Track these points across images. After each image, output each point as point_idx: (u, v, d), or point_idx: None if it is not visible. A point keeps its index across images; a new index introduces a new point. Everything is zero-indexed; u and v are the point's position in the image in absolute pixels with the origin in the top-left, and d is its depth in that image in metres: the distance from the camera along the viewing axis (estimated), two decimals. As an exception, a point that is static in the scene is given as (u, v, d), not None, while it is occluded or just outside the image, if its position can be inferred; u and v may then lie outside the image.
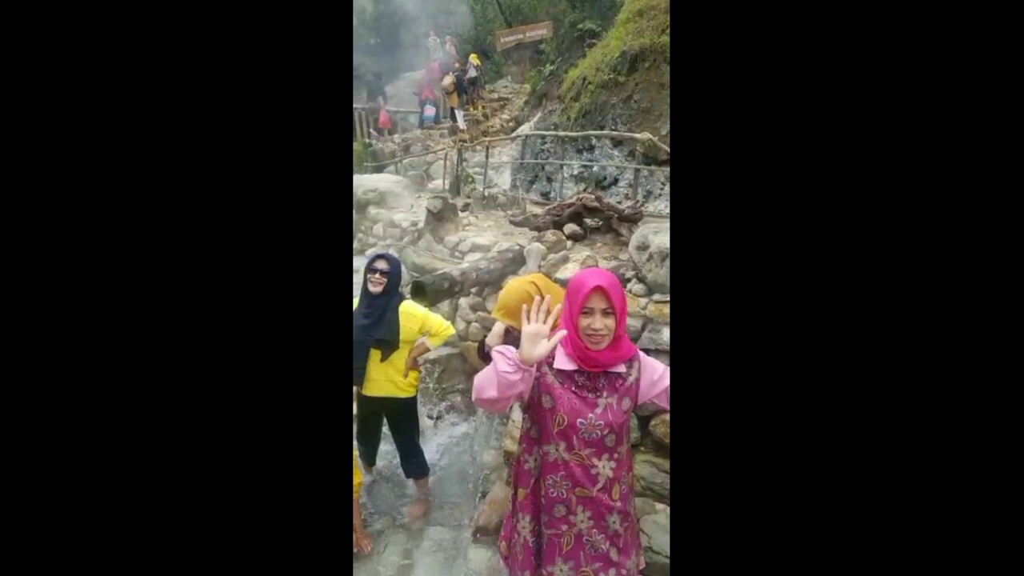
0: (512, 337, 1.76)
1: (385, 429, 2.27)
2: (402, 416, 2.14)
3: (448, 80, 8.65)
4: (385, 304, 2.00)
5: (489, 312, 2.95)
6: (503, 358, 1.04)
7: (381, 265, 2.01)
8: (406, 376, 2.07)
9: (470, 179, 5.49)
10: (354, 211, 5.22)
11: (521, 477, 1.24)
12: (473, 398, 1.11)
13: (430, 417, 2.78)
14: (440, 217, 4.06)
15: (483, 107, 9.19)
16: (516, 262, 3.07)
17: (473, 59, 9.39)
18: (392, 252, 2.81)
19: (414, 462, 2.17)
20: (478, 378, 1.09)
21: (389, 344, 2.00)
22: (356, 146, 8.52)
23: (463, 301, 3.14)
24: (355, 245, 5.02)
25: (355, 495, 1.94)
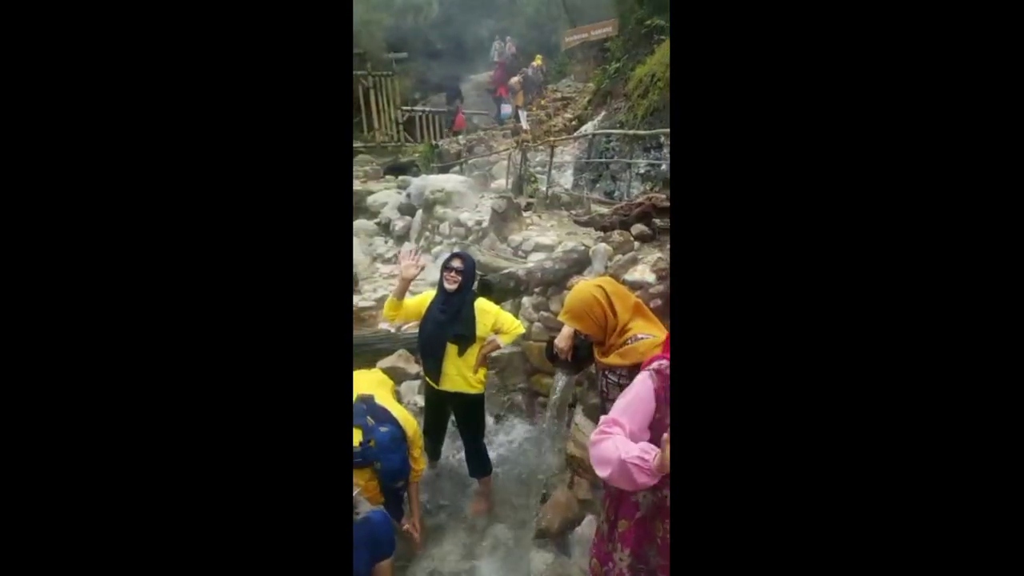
0: (579, 340, 1.73)
1: (451, 426, 2.32)
2: (470, 412, 2.18)
3: (515, 79, 8.87)
4: (461, 301, 2.06)
5: (552, 313, 2.92)
6: (640, 466, 0.98)
7: (456, 264, 2.07)
8: (476, 372, 2.11)
9: (533, 178, 5.49)
10: (422, 210, 5.40)
11: (625, 507, 1.20)
12: (592, 461, 1.07)
13: (491, 415, 2.81)
14: (504, 216, 4.10)
15: (542, 106, 9.18)
16: (581, 263, 3.02)
17: (537, 60, 9.42)
18: (465, 251, 2.87)
19: (478, 460, 2.21)
20: (599, 451, 1.04)
21: (467, 339, 2.06)
22: (423, 147, 8.81)
23: (526, 300, 3.14)
24: (422, 243, 5.19)
25: (415, 479, 1.99)
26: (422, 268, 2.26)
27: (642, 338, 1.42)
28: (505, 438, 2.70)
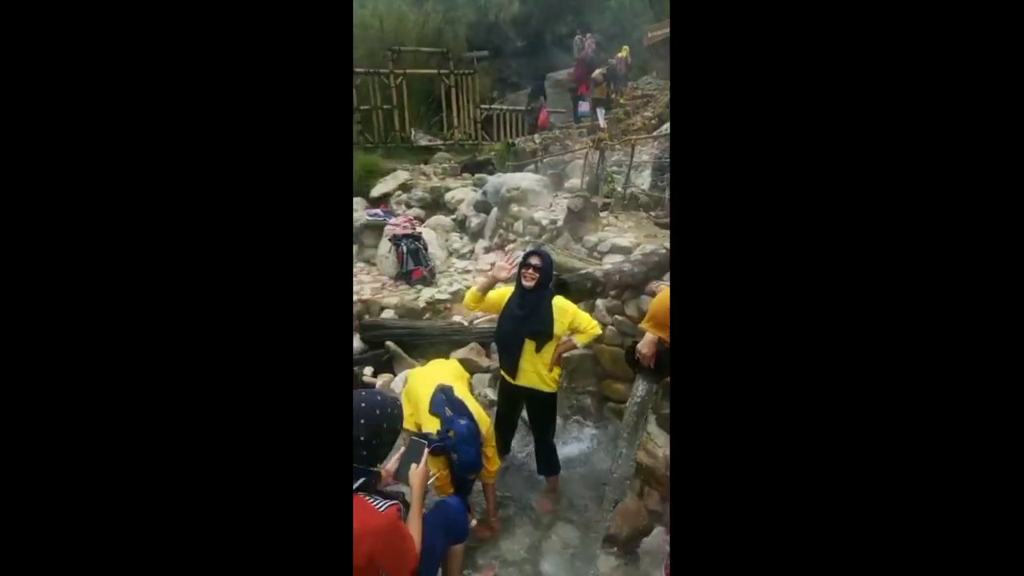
0: (663, 348, 1.69)
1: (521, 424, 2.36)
2: (543, 409, 2.21)
3: (598, 72, 8.81)
4: (539, 298, 2.08)
5: (627, 317, 2.87)
6: None
7: (534, 261, 2.09)
8: (551, 370, 2.13)
9: (610, 178, 5.39)
10: (497, 208, 5.50)
11: None
12: None
13: (560, 416, 2.81)
14: (580, 216, 4.07)
15: (620, 104, 8.97)
16: (661, 267, 2.93)
17: (623, 52, 9.26)
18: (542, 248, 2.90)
19: (548, 459, 2.23)
20: None
21: (544, 335, 2.08)
22: (499, 146, 8.96)
23: (600, 303, 3.10)
24: (495, 241, 5.29)
25: (491, 480, 2.06)
26: (513, 274, 2.30)
27: None
28: (573, 439, 2.70)
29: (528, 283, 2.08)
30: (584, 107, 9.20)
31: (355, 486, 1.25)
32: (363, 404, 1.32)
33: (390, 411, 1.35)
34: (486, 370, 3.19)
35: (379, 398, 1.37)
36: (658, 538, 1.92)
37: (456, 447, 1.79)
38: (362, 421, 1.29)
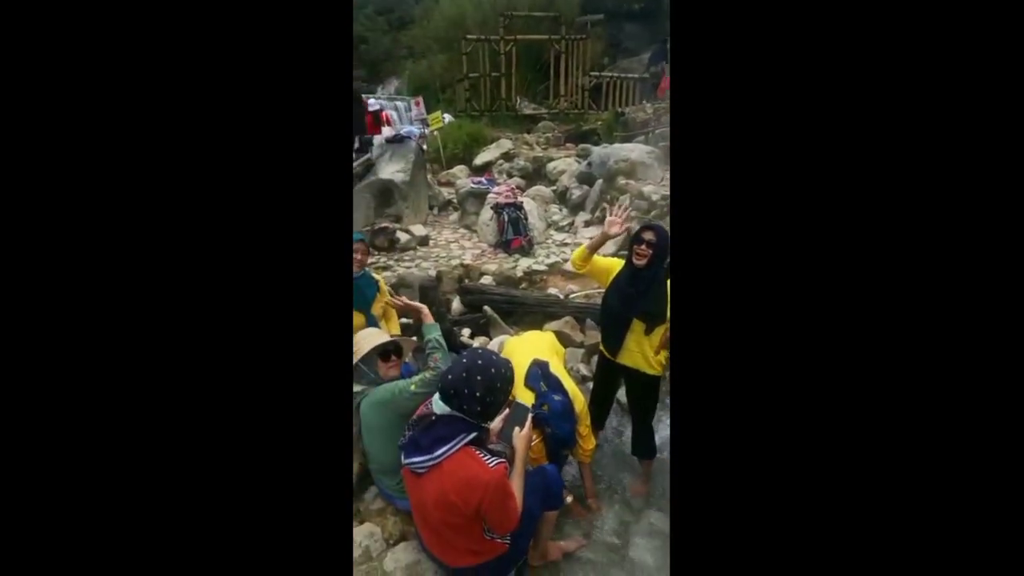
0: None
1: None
2: (645, 391, 2.12)
3: None
4: (652, 277, 1.94)
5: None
6: None
7: (648, 236, 1.92)
8: (657, 353, 2.02)
9: (731, 154, 4.92)
10: (602, 180, 5.32)
11: None
12: None
13: (662, 402, 2.71)
14: (695, 194, 3.78)
15: None
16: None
17: None
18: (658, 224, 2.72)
19: (644, 440, 2.16)
20: None
21: (656, 317, 1.95)
22: (607, 115, 8.58)
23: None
24: (597, 215, 5.14)
25: (587, 459, 2.04)
26: (627, 231, 2.17)
27: None
28: (668, 427, 2.59)
29: (639, 261, 1.93)
30: None
31: (467, 439, 1.30)
32: (480, 362, 1.35)
33: (504, 371, 1.37)
34: (580, 345, 3.15)
35: (494, 358, 1.40)
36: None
37: (550, 421, 1.79)
38: (478, 378, 1.32)
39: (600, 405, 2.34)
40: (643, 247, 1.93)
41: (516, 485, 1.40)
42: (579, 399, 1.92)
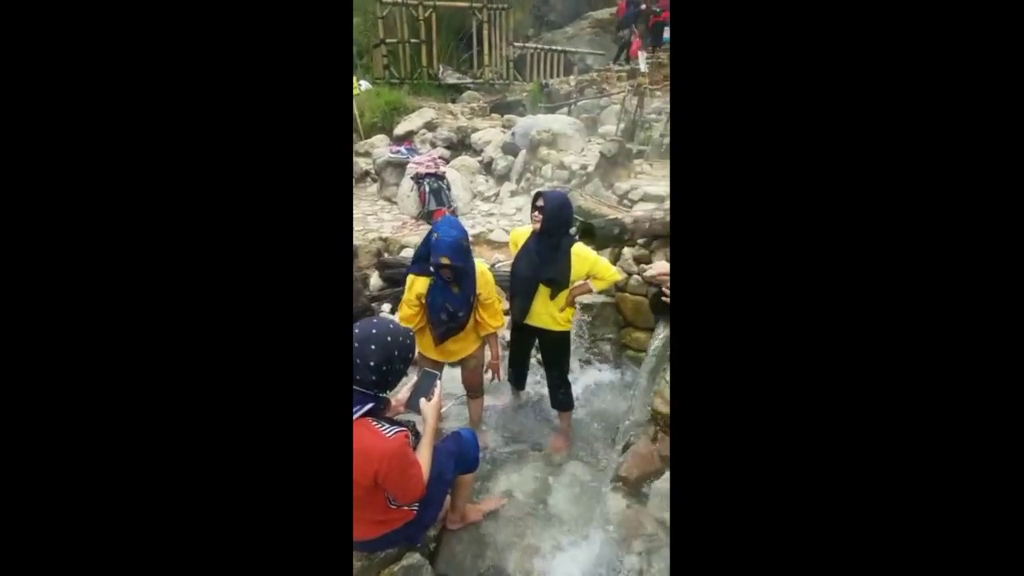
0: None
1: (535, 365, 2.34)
2: (555, 347, 2.19)
3: None
4: (555, 244, 1.99)
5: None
6: None
7: (539, 202, 1.99)
8: (563, 311, 2.08)
9: (647, 125, 5.09)
10: (525, 150, 5.30)
11: None
12: None
13: (577, 359, 2.79)
14: (613, 162, 3.88)
15: (665, 49, 8.36)
16: (695, 216, 2.79)
17: None
18: (562, 191, 2.76)
19: (562, 394, 2.23)
20: None
21: (559, 284, 2.01)
22: (531, 87, 8.54)
23: (627, 251, 2.99)
24: (523, 185, 5.13)
25: (491, 330, 2.08)
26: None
27: None
28: (589, 381, 2.68)
29: (535, 225, 1.99)
30: (667, 33, 8.65)
31: (363, 411, 1.24)
32: (374, 331, 1.29)
33: (402, 340, 1.32)
34: (506, 313, 3.16)
35: (392, 326, 1.34)
36: (668, 482, 1.92)
37: (438, 229, 1.82)
38: (372, 347, 1.26)
39: (517, 367, 2.38)
40: (535, 213, 1.99)
41: (423, 454, 1.37)
42: (488, 283, 1.97)
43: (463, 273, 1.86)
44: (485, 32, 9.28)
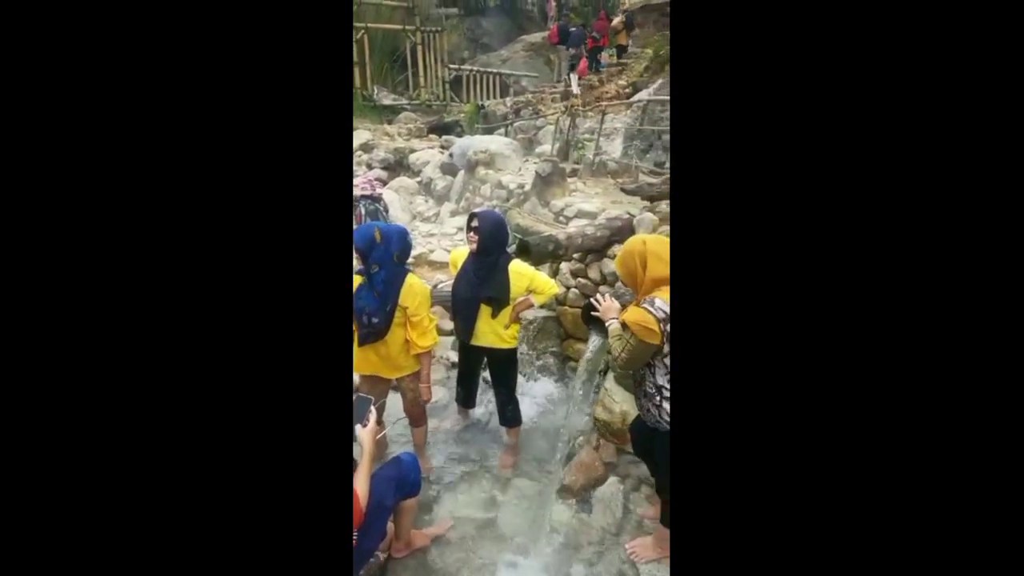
0: (624, 302, 1.69)
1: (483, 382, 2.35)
2: (503, 365, 2.21)
3: (618, 20, 9.25)
4: (493, 263, 2.03)
5: (590, 280, 2.88)
6: None
7: (473, 223, 2.05)
8: (507, 328, 2.11)
9: (580, 145, 5.33)
10: (464, 171, 5.36)
11: None
12: None
13: (522, 375, 2.83)
14: (548, 181, 4.01)
15: (597, 71, 8.84)
16: (624, 231, 2.93)
17: (626, 4, 9.33)
18: (497, 210, 2.82)
19: (510, 410, 2.24)
20: None
21: (500, 302, 2.05)
22: (468, 107, 8.68)
23: (564, 266, 3.09)
24: (463, 204, 5.18)
25: (422, 351, 2.00)
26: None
27: (654, 304, 1.41)
28: (534, 396, 2.72)
29: (471, 246, 2.04)
30: (604, 58, 9.39)
31: None
32: None
33: None
34: (449, 333, 3.15)
35: None
36: (612, 487, 1.98)
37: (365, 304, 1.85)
38: None
39: (466, 386, 2.38)
40: (471, 233, 2.05)
41: (360, 482, 1.35)
42: (413, 297, 1.91)
43: (380, 271, 1.85)
44: (419, 54, 9.37)
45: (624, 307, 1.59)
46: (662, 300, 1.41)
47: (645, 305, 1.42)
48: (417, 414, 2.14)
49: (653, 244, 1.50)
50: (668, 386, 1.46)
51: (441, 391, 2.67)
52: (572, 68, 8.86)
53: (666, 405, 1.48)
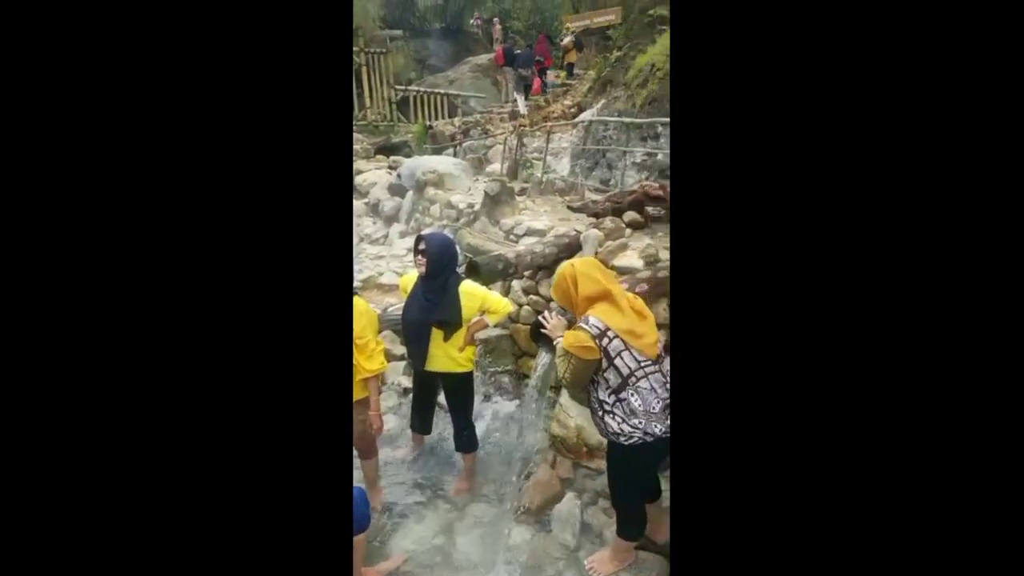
0: (568, 318, 1.72)
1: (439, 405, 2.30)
2: (459, 390, 2.16)
3: (567, 39, 9.44)
4: (442, 285, 2.00)
5: (541, 296, 2.91)
6: None
7: (420, 246, 2.02)
8: (462, 351, 2.08)
9: (528, 164, 5.44)
10: (412, 191, 5.32)
11: None
12: None
13: (478, 395, 2.79)
14: (497, 200, 4.05)
15: (544, 92, 9.10)
16: (572, 248, 3.00)
17: (569, 26, 9.73)
18: (446, 232, 2.81)
19: (465, 436, 2.19)
20: None
21: (452, 325, 2.01)
22: (416, 128, 8.67)
23: (516, 284, 3.12)
24: (412, 225, 5.12)
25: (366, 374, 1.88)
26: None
27: (588, 322, 1.46)
28: (490, 416, 2.69)
29: (420, 269, 2.01)
30: (552, 77, 9.62)
31: None
32: None
33: None
34: (400, 357, 3.08)
35: None
36: (569, 503, 1.98)
37: None
38: None
39: (421, 412, 2.32)
40: (419, 256, 2.01)
41: None
42: (360, 307, 1.83)
43: None
44: (365, 75, 9.30)
45: (570, 324, 1.62)
46: (596, 317, 1.46)
47: (580, 324, 1.46)
48: (366, 446, 2.01)
49: (581, 265, 1.58)
50: (609, 401, 1.50)
51: (393, 419, 2.59)
52: (520, 88, 9.10)
53: (608, 419, 1.51)
